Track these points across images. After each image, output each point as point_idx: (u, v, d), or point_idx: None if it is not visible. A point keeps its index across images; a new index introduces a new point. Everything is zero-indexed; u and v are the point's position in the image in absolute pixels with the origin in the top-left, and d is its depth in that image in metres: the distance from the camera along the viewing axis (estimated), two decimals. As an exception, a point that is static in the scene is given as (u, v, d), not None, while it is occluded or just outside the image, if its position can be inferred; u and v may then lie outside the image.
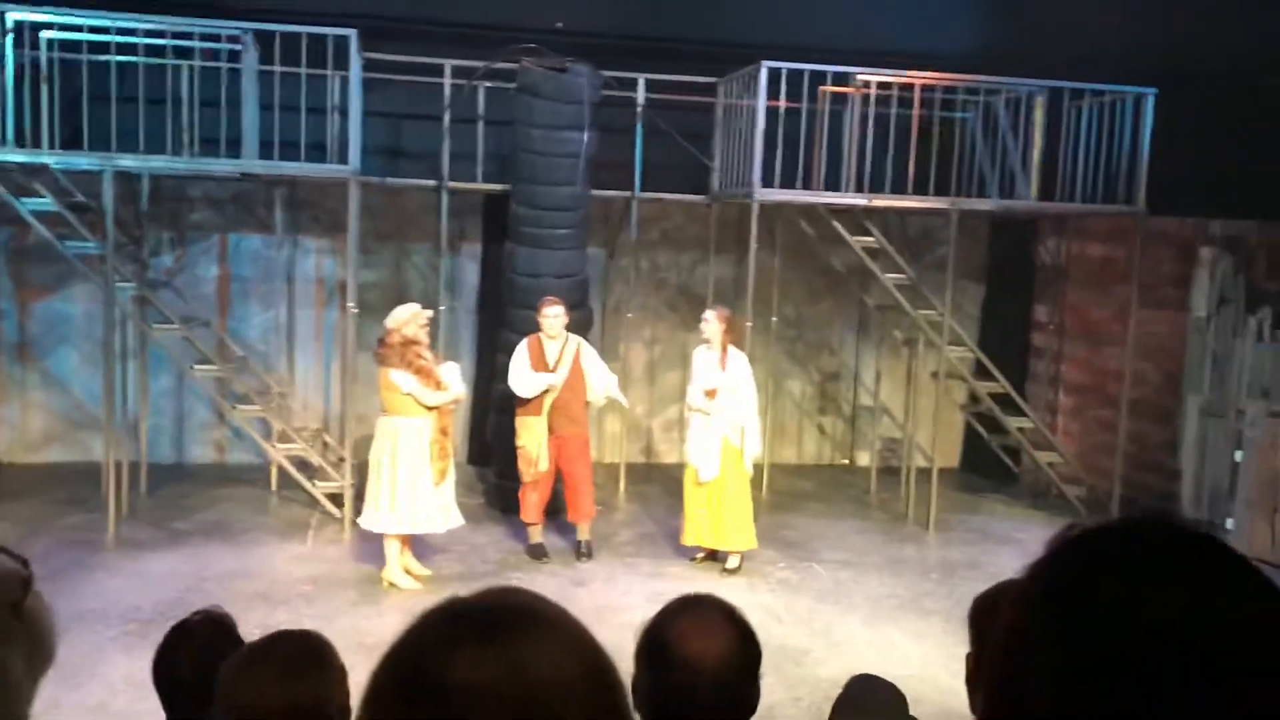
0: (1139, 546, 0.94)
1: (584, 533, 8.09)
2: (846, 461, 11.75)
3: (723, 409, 7.67)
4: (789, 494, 10.28)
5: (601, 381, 7.97)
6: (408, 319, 7.18)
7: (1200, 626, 0.88)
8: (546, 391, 7.71)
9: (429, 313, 7.44)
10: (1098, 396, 10.66)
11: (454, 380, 7.26)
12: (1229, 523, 8.87)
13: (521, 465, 7.81)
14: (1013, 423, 9.87)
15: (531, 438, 7.74)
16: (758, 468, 10.23)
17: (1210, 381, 9.67)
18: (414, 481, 7.12)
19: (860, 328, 11.52)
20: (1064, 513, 9.68)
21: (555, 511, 8.31)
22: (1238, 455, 8.95)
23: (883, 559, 8.40)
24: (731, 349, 7.77)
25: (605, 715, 1.00)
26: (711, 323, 7.76)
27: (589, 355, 7.97)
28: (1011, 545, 8.83)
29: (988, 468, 10.89)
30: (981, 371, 10.09)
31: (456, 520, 7.48)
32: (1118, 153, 9.17)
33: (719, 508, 7.75)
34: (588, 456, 8.09)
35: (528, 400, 7.75)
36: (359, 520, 7.50)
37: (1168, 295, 10.11)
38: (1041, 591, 0.96)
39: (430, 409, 7.13)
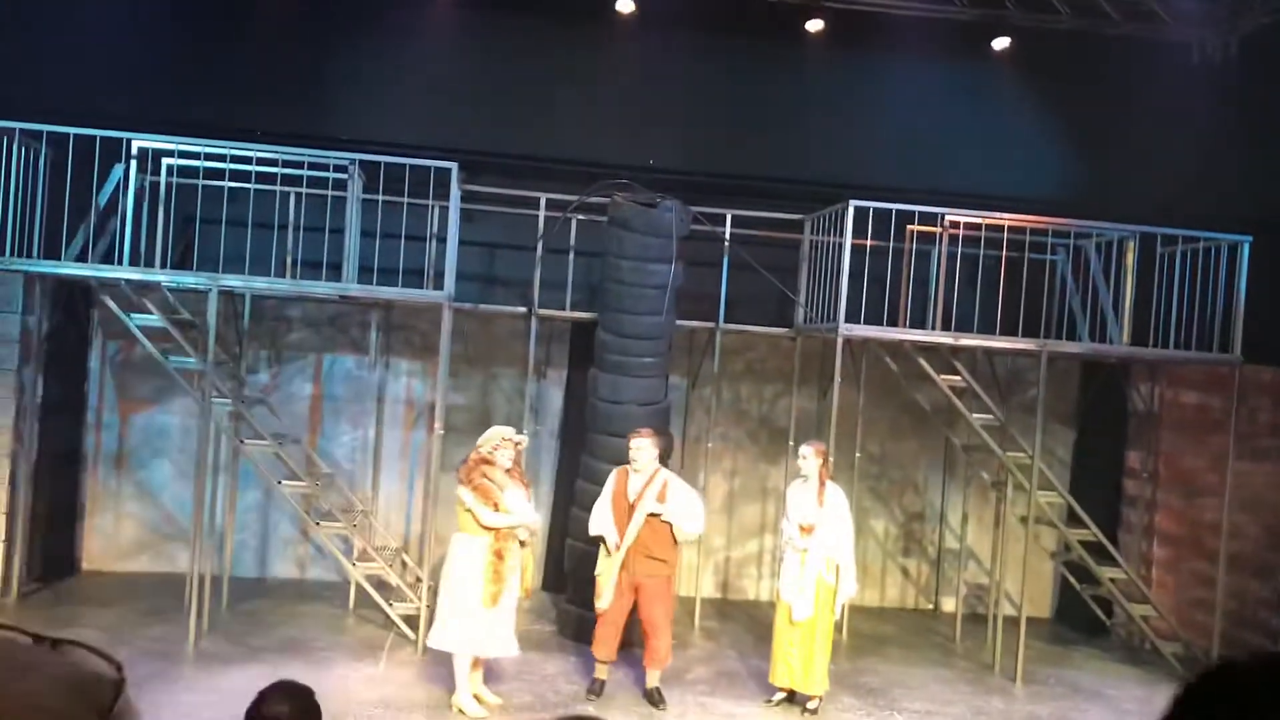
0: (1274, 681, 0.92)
1: (654, 679, 7.73)
2: (931, 606, 11.42)
3: (819, 546, 7.54)
4: (870, 638, 10.00)
5: (681, 519, 7.57)
6: (490, 438, 7.29)
7: None
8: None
9: (520, 436, 7.49)
10: (1194, 549, 10.27)
11: (517, 505, 7.24)
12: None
13: (596, 596, 7.71)
14: (1105, 573, 9.54)
15: (605, 569, 7.54)
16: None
17: (1315, 537, 9.26)
18: (472, 601, 7.11)
19: (946, 468, 11.33)
20: (1159, 670, 9.27)
21: (630, 644, 8.09)
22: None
23: (967, 710, 8.08)
24: (829, 484, 7.68)
25: None
26: (810, 458, 7.67)
27: (675, 492, 7.59)
28: (1102, 702, 8.44)
29: (1079, 619, 10.50)
30: (1072, 518, 9.81)
31: (511, 649, 7.38)
32: (1212, 299, 9.02)
33: (809, 648, 7.56)
34: (668, 600, 7.71)
35: None
36: (428, 639, 7.46)
37: (1266, 446, 9.79)
38: None
39: (487, 529, 7.15)
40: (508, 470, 7.29)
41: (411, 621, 8.61)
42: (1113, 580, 9.57)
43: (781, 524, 7.91)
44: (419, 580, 8.95)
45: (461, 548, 7.19)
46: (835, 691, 8.28)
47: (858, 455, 10.16)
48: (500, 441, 7.26)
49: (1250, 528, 9.82)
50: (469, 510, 7.15)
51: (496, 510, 7.13)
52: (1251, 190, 9.47)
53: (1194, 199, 9.67)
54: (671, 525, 7.52)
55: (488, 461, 7.20)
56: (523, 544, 7.37)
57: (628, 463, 7.65)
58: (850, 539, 7.74)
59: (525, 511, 7.29)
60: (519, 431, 7.64)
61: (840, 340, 8.71)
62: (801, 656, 7.58)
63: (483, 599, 7.08)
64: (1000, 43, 10.62)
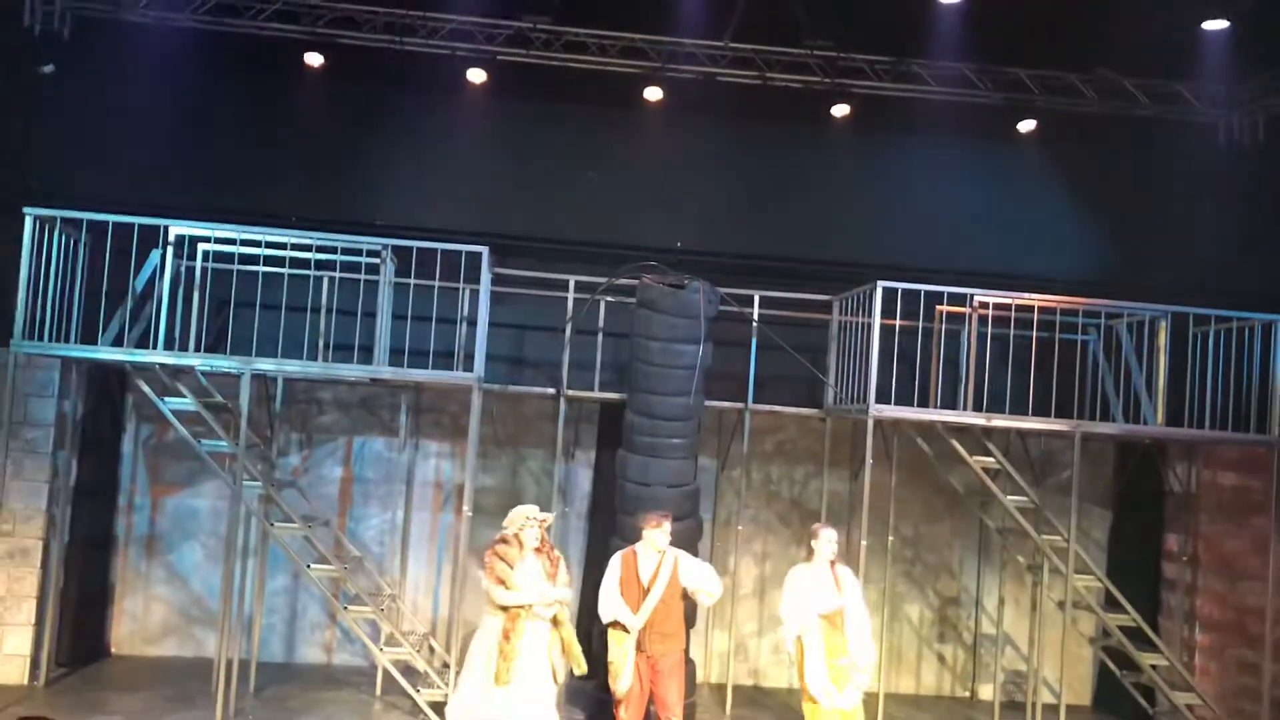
0: None
1: None
2: (968, 694, 11.15)
3: (853, 630, 7.41)
4: (905, 725, 9.76)
5: (704, 583, 7.62)
6: (514, 519, 7.33)
7: None
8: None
9: (544, 515, 7.50)
10: (1238, 635, 10.01)
11: (528, 583, 7.22)
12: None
13: (610, 681, 7.55)
14: (1146, 659, 9.30)
15: (620, 653, 7.43)
16: (871, 697, 9.80)
17: (1363, 622, 9.02)
18: (482, 679, 7.08)
19: (981, 551, 11.14)
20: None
21: None
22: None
23: (1007, 801, 7.84)
24: (839, 566, 7.57)
25: None
26: (833, 542, 7.55)
27: (687, 567, 7.64)
28: (1149, 794, 8.17)
29: (1120, 707, 10.21)
30: (1110, 602, 9.60)
31: None
32: (1247, 379, 8.92)
33: None
34: (681, 676, 7.65)
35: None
36: (447, 711, 7.44)
37: (1310, 528, 9.59)
38: None
39: (501, 609, 7.15)
40: (536, 549, 7.28)
41: (438, 708, 8.48)
42: (1154, 667, 9.33)
43: (792, 612, 7.51)
44: (446, 666, 8.85)
45: (483, 627, 7.27)
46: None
47: (890, 538, 10.03)
48: (524, 521, 7.27)
49: (1296, 612, 9.56)
50: (487, 590, 7.22)
51: (507, 589, 7.14)
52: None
53: (1225, 278, 9.63)
54: (684, 603, 7.58)
55: (505, 541, 7.25)
56: (555, 621, 7.31)
57: (637, 543, 7.66)
58: (868, 620, 7.58)
59: (538, 589, 7.24)
60: (543, 510, 7.64)
61: (871, 421, 8.66)
62: None
63: (495, 676, 7.06)
64: (1026, 125, 10.70)
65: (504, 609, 7.17)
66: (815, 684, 7.33)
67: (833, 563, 7.48)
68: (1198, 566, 10.35)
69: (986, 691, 10.73)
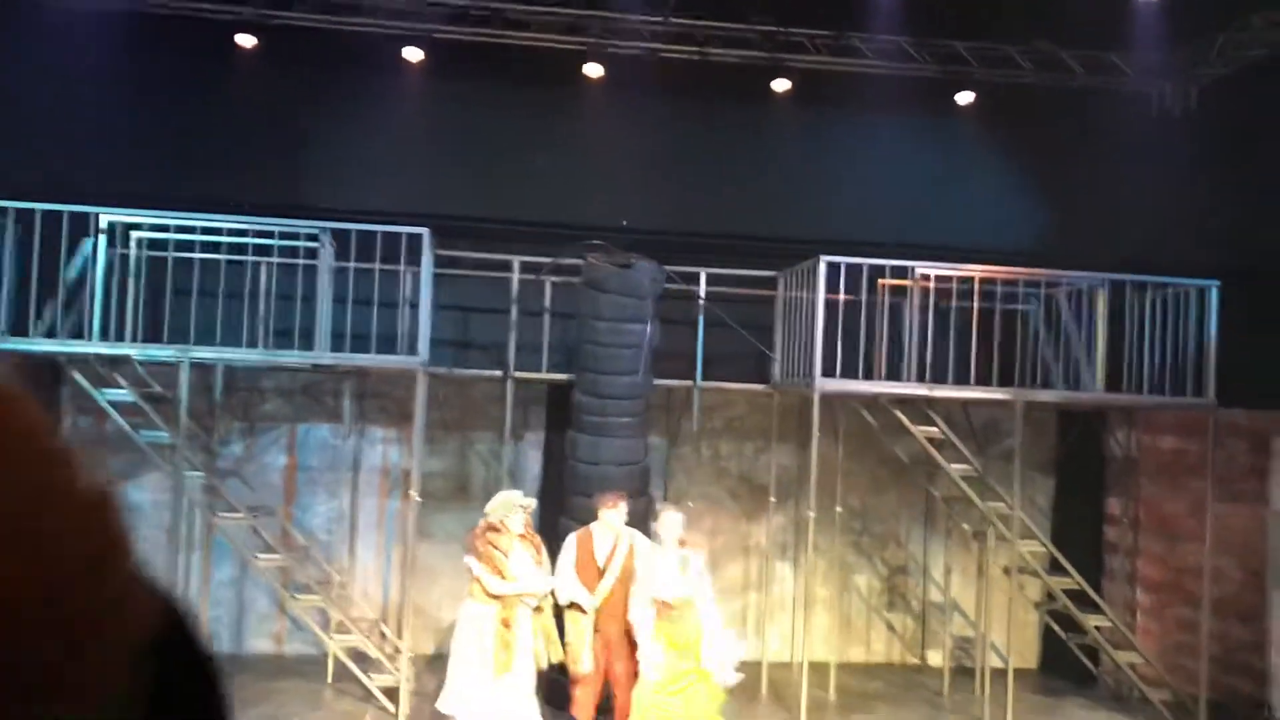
0: None
1: None
2: (917, 661, 11.32)
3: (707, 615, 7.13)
4: (857, 695, 9.88)
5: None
6: (497, 506, 7.27)
7: None
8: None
9: (528, 501, 7.48)
10: (1177, 594, 10.25)
11: (523, 571, 7.18)
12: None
13: (568, 662, 7.52)
14: (1090, 621, 9.49)
15: (578, 634, 7.42)
16: (822, 667, 9.92)
17: (1297, 579, 9.26)
18: (479, 669, 7.02)
19: (927, 520, 11.29)
20: (1148, 718, 9.20)
21: (607, 710, 7.92)
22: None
23: (958, 766, 7.97)
24: (690, 551, 7.25)
25: None
26: (678, 525, 7.22)
27: (643, 550, 7.61)
28: (1095, 753, 8.35)
29: (1066, 668, 10.42)
30: (1055, 567, 9.78)
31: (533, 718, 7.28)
32: (1184, 344, 9.09)
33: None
34: (634, 655, 7.60)
35: None
36: (438, 703, 7.31)
37: (1245, 488, 9.82)
38: None
39: (494, 597, 7.07)
40: (521, 536, 7.24)
41: (391, 693, 8.44)
42: (1098, 628, 9.53)
43: (640, 598, 7.10)
44: (398, 651, 8.79)
45: (470, 616, 7.13)
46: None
47: (838, 510, 10.11)
48: (511, 508, 7.23)
49: (1232, 571, 9.81)
50: (477, 579, 7.09)
51: (503, 578, 7.08)
52: (1217, 236, 9.59)
53: (1162, 246, 9.78)
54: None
55: (494, 529, 7.16)
56: (537, 610, 7.29)
57: (592, 523, 7.63)
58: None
59: (533, 578, 7.22)
60: (525, 495, 7.64)
61: (817, 395, 8.71)
62: None
63: (494, 669, 7.00)
64: (964, 97, 10.78)
65: (496, 598, 7.10)
66: (648, 666, 6.95)
67: (682, 542, 7.22)
68: (1138, 529, 10.57)
69: (936, 658, 10.89)
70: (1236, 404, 9.39)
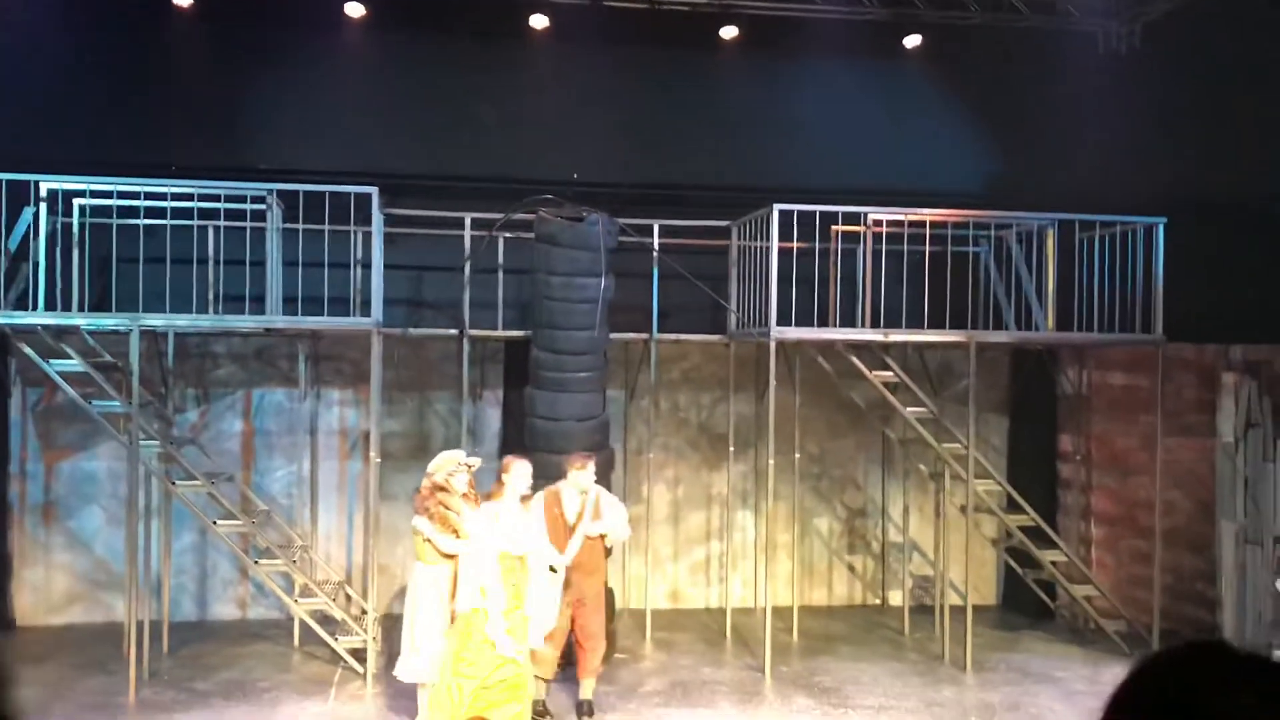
0: (1201, 673, 0.99)
1: (587, 691, 7.66)
2: (878, 601, 11.51)
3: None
4: (820, 636, 10.04)
5: (617, 531, 7.66)
6: (440, 465, 7.20)
7: None
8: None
9: (473, 460, 7.42)
10: (1130, 527, 10.48)
11: (479, 530, 7.17)
12: (1275, 653, 8.59)
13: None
14: (1046, 556, 9.68)
15: (549, 592, 7.31)
16: (785, 611, 10.06)
17: (1244, 508, 9.49)
18: (436, 629, 7.00)
19: (885, 463, 11.43)
20: (1104, 648, 9.43)
21: (569, 664, 7.93)
22: (1278, 583, 8.72)
23: (920, 702, 8.14)
24: (533, 504, 7.19)
25: None
26: (528, 476, 7.03)
27: (607, 503, 7.67)
28: (1052, 684, 8.56)
29: (1024, 604, 10.64)
30: (1011, 504, 9.95)
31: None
32: (1132, 282, 9.22)
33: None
34: (603, 610, 7.72)
35: None
36: (395, 671, 7.25)
37: (1193, 422, 10.02)
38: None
39: (448, 557, 7.05)
40: (464, 495, 7.21)
41: (359, 655, 8.47)
42: (1054, 563, 9.72)
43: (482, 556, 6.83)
44: (364, 613, 8.81)
45: (423, 578, 7.08)
46: (788, 692, 8.31)
47: (797, 456, 10.22)
48: (455, 467, 7.17)
49: (1182, 503, 10.03)
50: (428, 540, 7.04)
51: (457, 536, 7.05)
52: (1163, 173, 9.69)
53: (1109, 185, 9.88)
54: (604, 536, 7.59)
55: (443, 488, 7.11)
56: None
57: (559, 482, 7.60)
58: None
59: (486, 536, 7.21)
60: (469, 454, 7.57)
61: (773, 344, 8.75)
62: None
63: (449, 629, 6.99)
64: (912, 41, 10.77)
65: (450, 557, 7.08)
66: (493, 630, 6.70)
67: (525, 499, 7.05)
68: (1091, 465, 10.76)
69: (896, 598, 11.08)
70: (1184, 339, 9.56)
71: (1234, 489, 9.57)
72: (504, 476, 6.99)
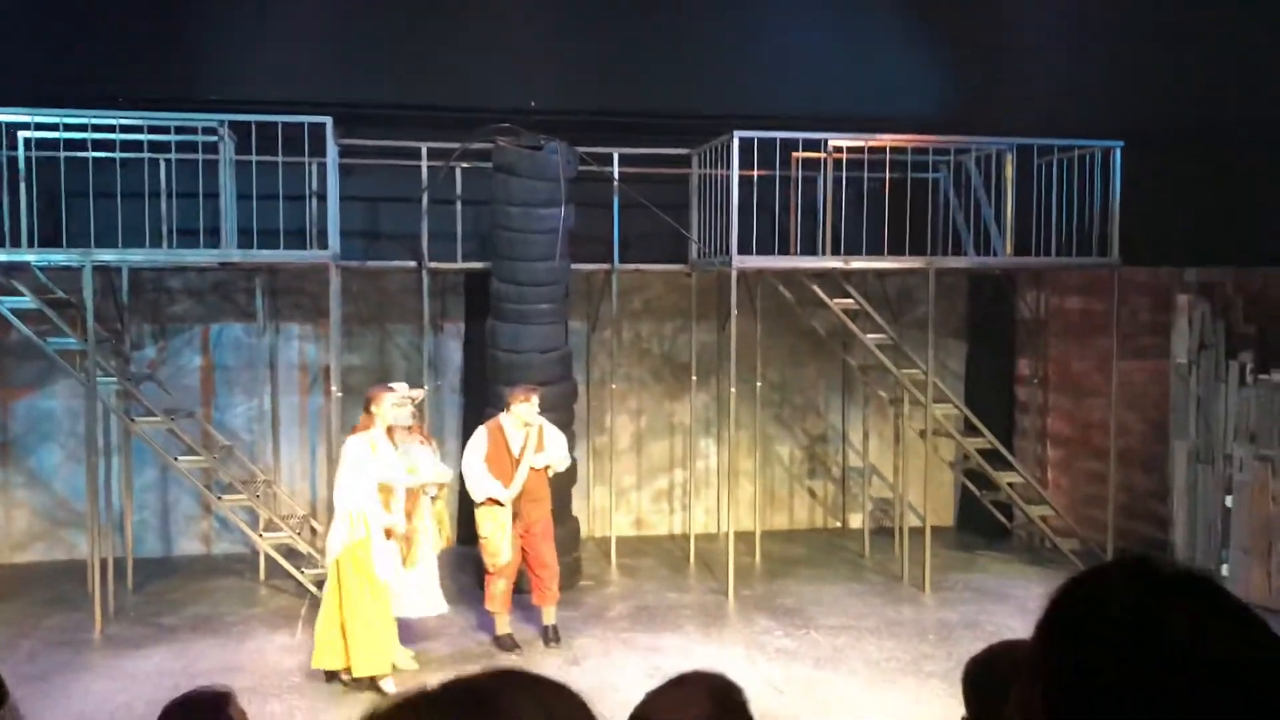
0: (1128, 589, 1.00)
1: (550, 617, 7.75)
2: (839, 524, 11.69)
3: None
4: (782, 560, 10.21)
5: (558, 460, 7.67)
6: (383, 399, 7.16)
7: (1194, 656, 0.94)
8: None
9: (416, 392, 7.39)
10: (1085, 448, 10.67)
11: (423, 463, 7.19)
12: (1224, 568, 8.84)
13: (484, 556, 7.50)
14: (1003, 478, 9.86)
15: (495, 527, 7.40)
16: (747, 536, 10.20)
17: (1196, 428, 9.69)
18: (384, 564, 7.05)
19: (845, 389, 11.54)
20: (1059, 566, 9.64)
21: (521, 591, 7.94)
22: (1228, 500, 8.94)
23: (880, 622, 8.32)
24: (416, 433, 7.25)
25: None
26: (398, 404, 7.00)
27: (550, 435, 7.66)
28: (1008, 602, 8.77)
29: (981, 524, 10.85)
30: (969, 428, 10.10)
31: (439, 607, 7.38)
32: (1089, 206, 9.28)
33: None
34: (552, 537, 7.74)
35: None
36: None
37: (1148, 344, 10.17)
38: (1049, 638, 1.02)
39: (385, 489, 7.07)
40: (409, 428, 7.20)
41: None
42: (1010, 484, 9.90)
43: (345, 485, 6.82)
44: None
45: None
46: (751, 614, 8.46)
47: (759, 384, 10.29)
48: (398, 399, 7.15)
49: (1135, 424, 10.22)
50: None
51: (407, 473, 7.07)
52: (1120, 97, 9.71)
53: (1067, 109, 9.89)
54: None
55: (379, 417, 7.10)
56: (434, 499, 7.32)
57: (501, 415, 7.59)
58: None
59: (433, 469, 7.24)
60: (413, 387, 7.55)
61: (734, 273, 8.76)
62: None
63: (403, 560, 7.04)
64: (871, -36, 10.65)
65: (386, 489, 7.11)
66: (380, 564, 6.81)
67: (390, 431, 6.98)
68: (1047, 387, 10.92)
69: (856, 521, 11.26)
70: (1140, 263, 9.66)
71: (1186, 409, 9.76)
72: (372, 408, 6.88)
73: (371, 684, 6.81)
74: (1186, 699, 0.92)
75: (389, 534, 6.84)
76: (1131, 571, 1.02)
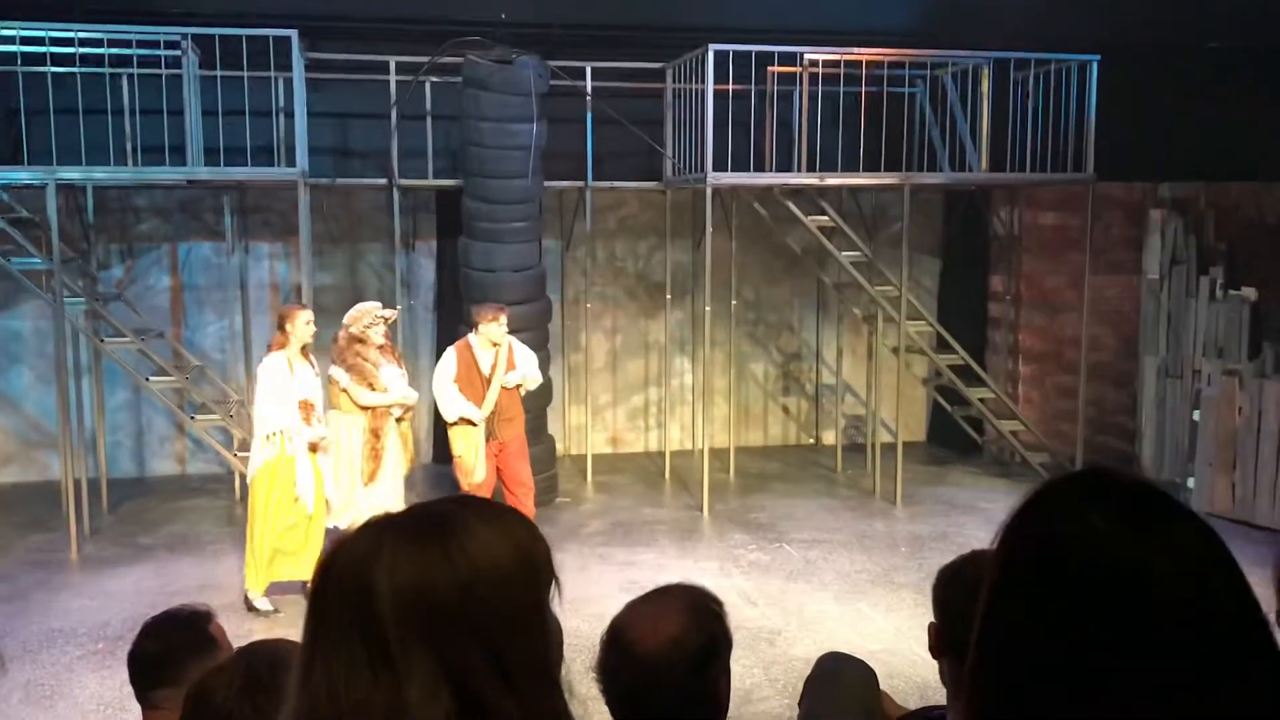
0: (1087, 502, 1.01)
1: None
2: (812, 441, 11.80)
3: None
4: (756, 476, 10.31)
5: (530, 378, 7.62)
6: (357, 316, 7.14)
7: (1146, 573, 0.96)
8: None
9: (389, 311, 7.34)
10: (1056, 363, 10.77)
11: (393, 383, 7.17)
12: (1190, 481, 9.00)
13: (458, 475, 7.51)
14: (974, 394, 9.94)
15: (468, 446, 7.37)
16: (722, 453, 10.29)
17: (1166, 343, 9.79)
18: (353, 479, 7.10)
19: (820, 307, 11.56)
20: (1028, 480, 9.75)
21: None
22: (1196, 414, 9.07)
23: (852, 535, 8.44)
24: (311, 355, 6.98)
25: (533, 593, 1.14)
26: (310, 323, 6.78)
27: (519, 352, 7.60)
28: (978, 515, 8.91)
29: (952, 440, 10.97)
30: (941, 344, 10.16)
31: None
32: (1065, 121, 9.24)
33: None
34: (527, 455, 7.74)
35: None
36: None
37: (1120, 259, 10.22)
38: (1009, 552, 1.04)
39: (364, 408, 7.09)
40: (380, 346, 7.18)
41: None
42: (982, 400, 9.99)
43: (269, 410, 6.65)
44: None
45: (338, 427, 7.12)
46: (725, 529, 8.56)
47: (734, 303, 10.29)
48: (372, 319, 7.12)
49: (1107, 339, 10.31)
50: (344, 390, 7.07)
51: (373, 389, 7.06)
52: (1097, 10, 9.62)
53: (1043, 23, 9.79)
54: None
55: (360, 340, 7.07)
56: (399, 420, 7.31)
57: (469, 335, 7.53)
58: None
59: (402, 389, 7.22)
60: (386, 306, 7.50)
61: (709, 190, 8.69)
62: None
63: (361, 477, 7.07)
64: None
65: (365, 409, 7.11)
66: (301, 484, 6.71)
67: (305, 348, 6.80)
68: (1020, 304, 10.98)
69: (829, 437, 11.36)
70: (1115, 178, 9.66)
71: (1157, 325, 9.86)
72: (286, 326, 6.72)
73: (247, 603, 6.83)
74: (1119, 616, 0.95)
75: (313, 448, 6.82)
76: (1083, 489, 1.03)
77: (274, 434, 6.66)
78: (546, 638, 1.14)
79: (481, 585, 1.09)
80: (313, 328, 6.83)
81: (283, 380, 6.66)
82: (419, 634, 1.06)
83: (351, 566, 1.10)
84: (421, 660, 1.06)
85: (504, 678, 1.08)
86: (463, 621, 1.07)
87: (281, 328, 6.78)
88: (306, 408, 6.74)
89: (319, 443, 6.82)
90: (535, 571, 1.16)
